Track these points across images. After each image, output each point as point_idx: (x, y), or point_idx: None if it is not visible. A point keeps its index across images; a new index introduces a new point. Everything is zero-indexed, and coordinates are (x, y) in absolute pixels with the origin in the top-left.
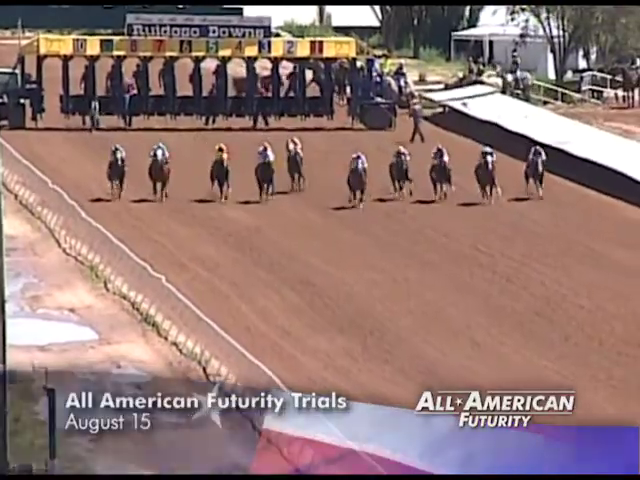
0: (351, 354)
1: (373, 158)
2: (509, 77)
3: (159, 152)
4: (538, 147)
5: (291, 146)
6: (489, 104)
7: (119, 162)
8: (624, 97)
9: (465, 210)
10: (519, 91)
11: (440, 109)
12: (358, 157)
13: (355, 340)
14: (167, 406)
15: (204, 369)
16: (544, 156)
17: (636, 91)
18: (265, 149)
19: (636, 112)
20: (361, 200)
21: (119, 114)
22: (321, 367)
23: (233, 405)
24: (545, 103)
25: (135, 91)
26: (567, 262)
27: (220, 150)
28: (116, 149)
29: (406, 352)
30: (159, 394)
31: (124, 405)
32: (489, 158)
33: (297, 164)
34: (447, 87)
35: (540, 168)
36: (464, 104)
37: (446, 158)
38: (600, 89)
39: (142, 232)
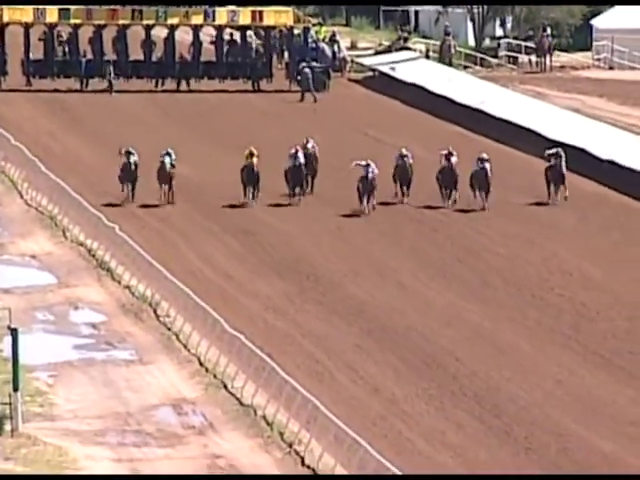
0: (289, 296)
1: (308, 118)
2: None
3: (167, 159)
4: (559, 150)
5: (309, 145)
6: (415, 68)
7: (132, 166)
8: (537, 62)
9: None
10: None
11: (370, 73)
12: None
13: (293, 284)
14: (120, 344)
15: (154, 310)
16: (564, 158)
17: (547, 57)
18: (297, 152)
19: (547, 76)
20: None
21: (76, 77)
22: (262, 308)
23: (181, 344)
24: (465, 67)
25: (90, 56)
26: (487, 214)
27: (251, 155)
28: (129, 152)
29: (339, 294)
30: (113, 333)
31: (81, 343)
32: (486, 165)
33: (312, 164)
34: (376, 53)
35: (564, 171)
36: (392, 68)
37: (454, 160)
38: (515, 55)
39: (97, 186)
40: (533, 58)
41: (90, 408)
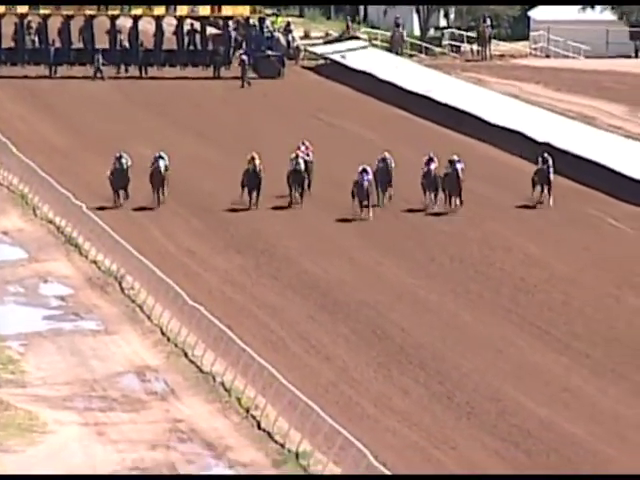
0: (246, 271)
1: (265, 103)
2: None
3: (161, 162)
4: (546, 155)
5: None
6: (364, 56)
7: (123, 170)
8: (478, 51)
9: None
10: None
11: (322, 61)
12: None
13: (250, 259)
14: (87, 315)
15: (120, 284)
16: (551, 163)
17: (487, 46)
18: (297, 156)
19: (488, 64)
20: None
21: (45, 64)
22: (220, 282)
23: (144, 315)
24: (411, 56)
25: (59, 44)
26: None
27: (252, 159)
28: (121, 156)
29: (293, 269)
30: (81, 305)
31: (50, 314)
32: (458, 166)
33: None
34: (328, 42)
35: (550, 176)
36: (342, 56)
37: (433, 166)
38: (458, 44)
39: (66, 167)
40: (474, 47)
41: (58, 375)
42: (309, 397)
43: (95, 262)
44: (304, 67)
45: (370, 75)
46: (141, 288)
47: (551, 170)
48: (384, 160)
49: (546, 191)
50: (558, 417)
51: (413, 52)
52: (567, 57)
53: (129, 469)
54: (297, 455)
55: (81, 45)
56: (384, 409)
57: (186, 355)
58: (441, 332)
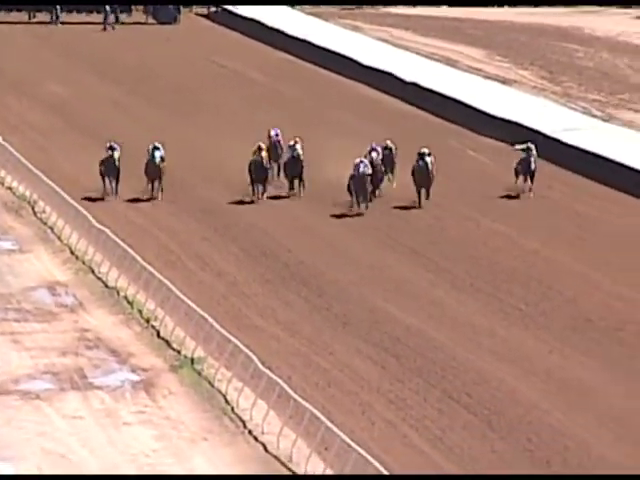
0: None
1: (163, 46)
2: None
3: (157, 153)
4: (530, 144)
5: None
6: (252, 5)
7: (115, 161)
8: None
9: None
10: None
11: (214, 8)
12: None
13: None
14: (3, 236)
15: (32, 208)
16: (535, 153)
17: None
18: (295, 143)
19: (362, 12)
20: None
21: None
22: (124, 207)
23: (55, 236)
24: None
25: None
26: (319, 131)
27: (259, 149)
28: (112, 147)
29: (190, 195)
30: None
31: None
32: (427, 159)
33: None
34: None
35: (532, 166)
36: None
37: (375, 155)
38: None
39: None
40: None
41: None
42: (203, 309)
43: (10, 188)
44: (198, 14)
45: (258, 22)
46: (52, 212)
47: (533, 160)
48: (387, 148)
49: (529, 181)
50: (423, 325)
51: None
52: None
53: (42, 373)
54: (192, 361)
55: None
56: (270, 320)
57: (93, 272)
58: (321, 251)
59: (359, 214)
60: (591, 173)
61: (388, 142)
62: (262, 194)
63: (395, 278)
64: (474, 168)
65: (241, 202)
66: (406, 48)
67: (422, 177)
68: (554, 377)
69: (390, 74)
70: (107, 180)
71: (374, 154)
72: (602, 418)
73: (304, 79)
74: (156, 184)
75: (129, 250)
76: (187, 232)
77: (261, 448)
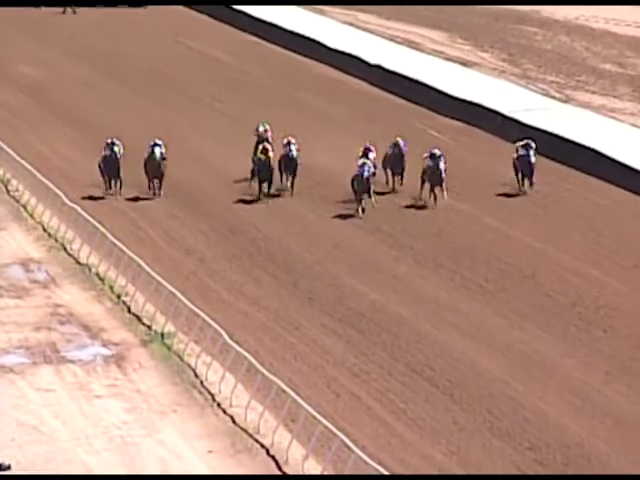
0: None
1: (128, 28)
2: None
3: (157, 150)
4: (529, 141)
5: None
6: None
7: (116, 157)
8: None
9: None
10: None
11: None
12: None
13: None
14: None
15: (6, 186)
16: (534, 150)
17: None
18: (289, 142)
19: None
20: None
21: None
22: (94, 185)
23: (28, 214)
24: None
25: None
26: (277, 109)
27: (265, 151)
28: (113, 143)
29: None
30: None
31: None
32: (441, 165)
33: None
34: None
35: (532, 162)
36: None
37: (372, 156)
38: None
39: None
40: None
41: None
42: (172, 285)
43: None
44: None
45: (225, 4)
46: (25, 190)
47: (532, 158)
48: (396, 145)
49: (527, 179)
50: (387, 301)
51: None
52: None
53: (15, 347)
54: (162, 335)
55: None
56: (237, 295)
57: (65, 249)
58: (287, 229)
59: (324, 195)
60: (549, 152)
61: (398, 139)
62: (268, 193)
63: (359, 255)
64: (436, 148)
65: (208, 180)
66: (371, 31)
67: (435, 177)
68: (514, 351)
69: (355, 57)
70: (107, 177)
71: (371, 155)
72: (560, 390)
73: (270, 61)
74: (156, 182)
75: (99, 227)
76: (156, 209)
77: (229, 420)
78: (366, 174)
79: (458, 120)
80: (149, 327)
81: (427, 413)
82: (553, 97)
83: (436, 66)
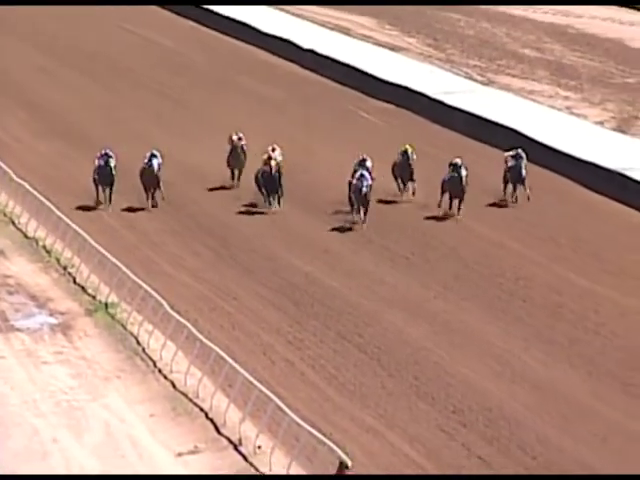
0: (65, 153)
1: (73, 15)
2: None
3: (154, 160)
4: (520, 151)
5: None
6: None
7: (110, 169)
8: None
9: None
10: None
11: None
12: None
13: (68, 144)
14: None
15: None
16: (525, 160)
17: None
18: (273, 150)
19: None
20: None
21: None
22: (42, 163)
23: None
24: None
25: None
26: (221, 95)
27: (269, 159)
28: (106, 154)
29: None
30: None
31: None
32: (463, 172)
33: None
34: None
35: (523, 173)
36: None
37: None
38: None
39: None
40: None
41: None
42: (116, 257)
43: None
44: None
45: None
46: None
47: (524, 167)
48: (405, 153)
49: (518, 189)
50: (321, 274)
51: None
52: None
53: None
54: (106, 305)
55: None
56: (178, 267)
57: (13, 223)
58: (227, 205)
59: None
60: (469, 131)
61: (407, 146)
62: (279, 203)
63: (295, 230)
64: (367, 129)
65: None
66: (303, 17)
67: (456, 188)
68: (438, 320)
69: (288, 41)
70: (100, 189)
71: (369, 163)
72: (482, 356)
73: (207, 45)
74: (151, 192)
75: (46, 202)
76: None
77: (170, 385)
78: (364, 190)
79: (388, 102)
80: (94, 297)
81: (357, 378)
82: (475, 80)
83: (366, 51)
